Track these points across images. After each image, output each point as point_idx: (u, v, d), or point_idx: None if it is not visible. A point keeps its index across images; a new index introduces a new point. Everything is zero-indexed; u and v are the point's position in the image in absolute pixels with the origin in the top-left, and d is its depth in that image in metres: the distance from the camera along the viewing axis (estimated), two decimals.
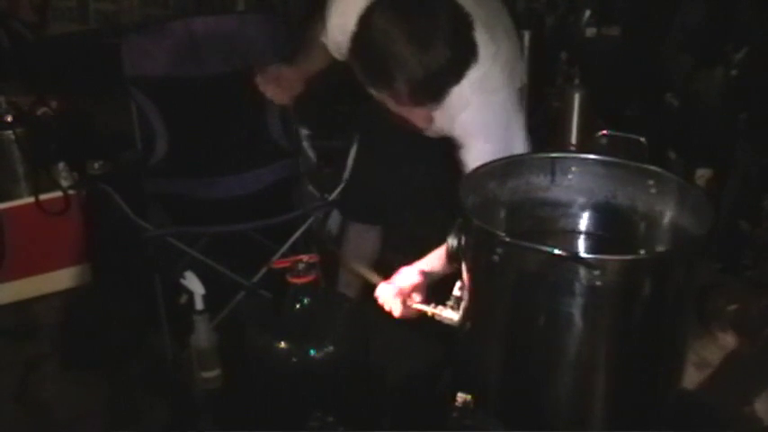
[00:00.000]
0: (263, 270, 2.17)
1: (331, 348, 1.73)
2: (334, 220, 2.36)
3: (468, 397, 1.72)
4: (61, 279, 2.63)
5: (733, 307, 2.38)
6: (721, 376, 2.14)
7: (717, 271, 2.56)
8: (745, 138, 2.81)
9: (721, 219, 2.58)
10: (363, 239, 2.28)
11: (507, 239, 1.51)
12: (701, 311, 2.31)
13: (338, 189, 2.19)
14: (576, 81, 2.93)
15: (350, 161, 2.23)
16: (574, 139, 2.84)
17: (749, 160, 2.75)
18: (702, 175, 2.77)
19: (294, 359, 1.72)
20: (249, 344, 1.77)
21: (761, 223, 2.62)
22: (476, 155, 1.84)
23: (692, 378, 2.08)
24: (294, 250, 2.24)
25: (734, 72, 2.89)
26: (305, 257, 1.72)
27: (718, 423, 1.94)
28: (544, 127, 2.99)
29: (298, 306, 1.72)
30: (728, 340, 2.27)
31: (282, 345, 1.72)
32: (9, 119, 2.61)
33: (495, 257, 1.54)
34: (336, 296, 1.98)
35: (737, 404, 2.03)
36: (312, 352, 1.71)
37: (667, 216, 1.74)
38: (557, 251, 1.46)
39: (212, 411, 1.92)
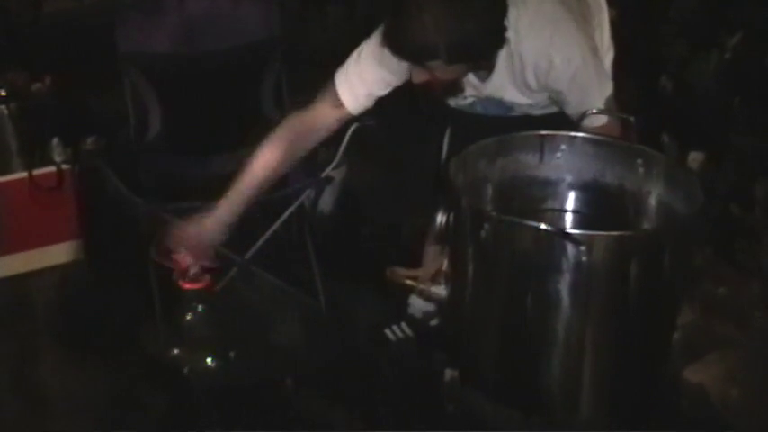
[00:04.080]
0: (256, 246, 2.17)
1: (223, 358, 1.71)
2: (327, 198, 2.37)
3: (456, 373, 1.74)
4: (55, 254, 2.63)
5: (724, 292, 2.38)
6: (710, 360, 2.14)
7: (708, 256, 2.56)
8: (738, 122, 2.81)
9: (713, 203, 2.58)
10: None
11: (494, 215, 1.52)
12: (692, 296, 2.31)
13: (330, 167, 2.19)
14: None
15: (345, 141, 2.22)
16: None
17: (742, 145, 2.76)
18: (695, 158, 2.76)
19: (185, 369, 1.71)
20: (143, 351, 1.76)
21: (753, 208, 2.62)
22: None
23: (681, 361, 2.09)
24: (287, 228, 2.25)
25: (727, 56, 2.89)
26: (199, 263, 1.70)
27: (706, 405, 1.96)
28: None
29: (190, 313, 1.70)
30: (719, 325, 2.28)
31: (173, 353, 1.71)
32: (3, 94, 2.61)
33: (483, 234, 1.55)
34: (235, 302, 1.93)
35: (726, 387, 2.03)
36: (207, 360, 1.70)
37: (655, 195, 1.75)
38: (543, 227, 1.47)
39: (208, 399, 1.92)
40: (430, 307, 2.11)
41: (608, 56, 2.01)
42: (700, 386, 2.00)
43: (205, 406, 1.89)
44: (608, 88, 1.84)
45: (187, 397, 1.91)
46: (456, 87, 1.81)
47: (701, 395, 1.98)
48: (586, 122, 1.80)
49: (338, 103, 1.83)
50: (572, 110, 1.84)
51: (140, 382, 2.15)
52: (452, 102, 1.95)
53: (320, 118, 1.86)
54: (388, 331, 2.10)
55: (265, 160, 1.86)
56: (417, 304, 2.14)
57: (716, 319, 2.28)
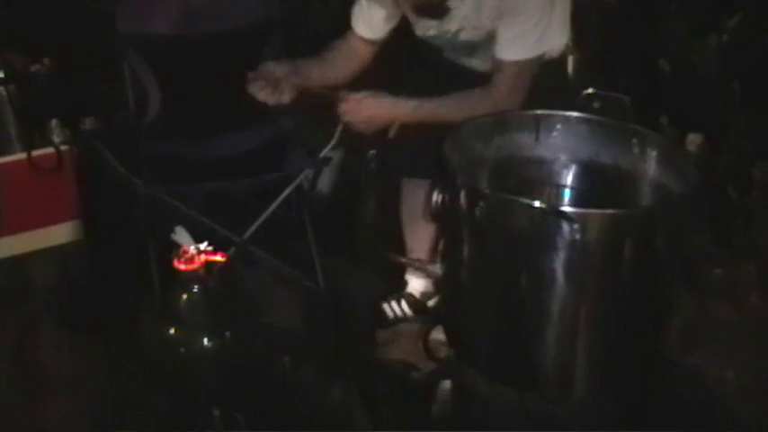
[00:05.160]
0: (254, 226, 2.18)
1: (219, 338, 1.72)
2: (325, 178, 2.37)
3: (451, 351, 1.76)
4: (55, 235, 2.63)
5: (720, 274, 2.39)
6: (706, 341, 2.15)
7: (706, 237, 2.57)
8: (736, 104, 2.81)
9: (711, 186, 2.59)
10: (417, 195, 2.26)
11: (489, 193, 1.52)
12: (689, 278, 2.32)
13: (328, 147, 2.19)
14: (569, 45, 2.92)
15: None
16: None
17: (740, 127, 2.76)
18: (694, 140, 2.76)
19: (182, 348, 1.71)
20: (139, 331, 1.77)
21: (750, 191, 2.62)
22: (509, 34, 1.90)
23: (676, 342, 2.10)
24: (285, 209, 2.25)
25: (726, 38, 2.89)
26: (195, 246, 1.72)
27: (700, 386, 1.97)
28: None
29: (185, 294, 1.72)
30: (715, 307, 2.29)
31: (170, 332, 1.72)
32: (1, 75, 2.61)
33: (478, 212, 1.56)
34: (231, 285, 1.94)
35: (721, 368, 2.04)
36: (204, 341, 1.71)
37: (650, 175, 1.76)
38: (537, 205, 1.48)
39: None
40: (429, 286, 2.13)
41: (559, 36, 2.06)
42: (695, 367, 2.01)
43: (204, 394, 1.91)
44: (535, 52, 1.92)
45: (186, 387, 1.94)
46: (441, 8, 1.93)
47: (696, 376, 2.00)
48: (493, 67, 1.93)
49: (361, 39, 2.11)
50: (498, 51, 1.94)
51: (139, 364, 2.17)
52: (421, 32, 2.08)
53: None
54: (386, 306, 2.12)
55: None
56: (415, 283, 2.15)
57: (712, 301, 2.29)
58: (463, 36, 2.02)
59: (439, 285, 2.04)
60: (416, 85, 2.13)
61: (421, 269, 1.77)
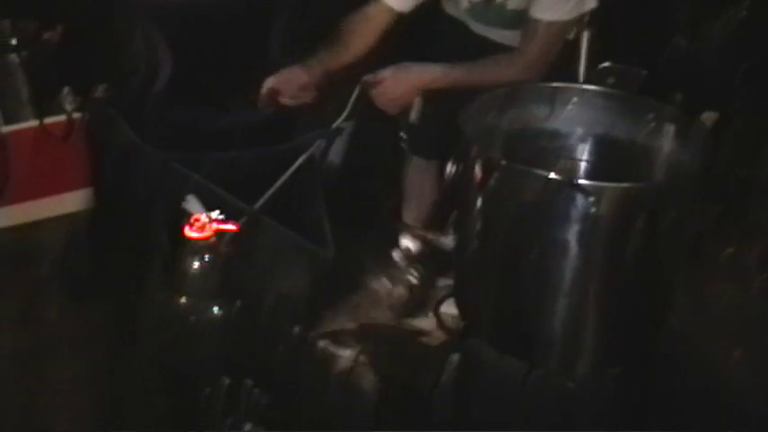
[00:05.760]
0: (266, 196, 2.18)
1: (229, 307, 1.74)
2: (337, 149, 2.36)
3: (461, 323, 1.76)
4: (66, 203, 2.63)
5: (730, 250, 2.39)
6: (714, 319, 2.15)
7: (716, 215, 2.56)
8: (750, 81, 2.79)
9: (722, 162, 2.57)
10: (420, 168, 2.26)
11: (504, 164, 1.52)
12: (698, 254, 2.31)
13: (341, 118, 2.18)
14: (586, 19, 2.89)
15: (356, 92, 2.22)
16: (581, 79, 2.82)
17: (753, 104, 2.74)
18: (708, 117, 2.74)
19: (192, 317, 1.73)
20: (146, 299, 1.77)
21: (762, 168, 2.61)
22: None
23: (684, 319, 2.10)
24: (296, 179, 2.25)
25: (744, 13, 2.86)
26: (207, 214, 1.72)
27: (707, 364, 1.97)
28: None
29: (195, 262, 1.71)
30: (724, 286, 2.28)
31: (180, 301, 1.74)
32: (13, 42, 2.60)
33: (492, 183, 1.55)
34: (241, 254, 1.93)
35: (728, 346, 2.04)
36: (214, 309, 1.72)
37: (666, 150, 1.75)
38: (553, 176, 1.48)
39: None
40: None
41: None
42: (701, 345, 2.01)
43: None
44: (573, 13, 1.93)
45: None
46: None
47: (702, 353, 1.99)
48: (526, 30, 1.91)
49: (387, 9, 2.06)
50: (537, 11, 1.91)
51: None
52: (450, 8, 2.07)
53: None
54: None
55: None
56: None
57: (721, 280, 2.29)
58: (511, 5, 1.98)
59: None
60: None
61: (433, 242, 1.77)
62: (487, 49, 2.06)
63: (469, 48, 2.09)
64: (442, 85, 1.94)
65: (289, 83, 2.07)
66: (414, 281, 2.22)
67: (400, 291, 2.19)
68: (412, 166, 2.22)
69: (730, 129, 2.71)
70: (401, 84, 1.96)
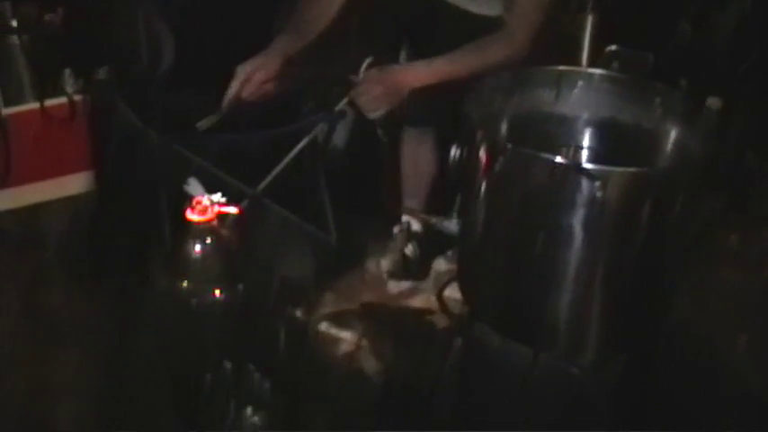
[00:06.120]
0: (268, 178, 2.17)
1: (231, 290, 1.71)
2: (341, 132, 2.36)
3: (465, 308, 1.75)
4: (67, 185, 2.63)
5: (736, 239, 2.38)
6: (719, 308, 2.15)
7: (721, 203, 2.55)
8: (756, 69, 2.78)
9: (728, 151, 2.57)
10: (417, 148, 2.25)
11: (509, 147, 1.51)
12: (704, 243, 2.31)
13: (344, 100, 2.17)
14: (590, 4, 2.89)
15: (360, 74, 2.21)
16: (584, 63, 2.81)
17: (760, 91, 2.73)
18: (713, 104, 2.73)
19: (194, 300, 1.70)
20: (148, 282, 1.77)
21: None
22: None
23: (689, 308, 2.09)
24: (299, 162, 2.24)
25: (750, 2, 2.85)
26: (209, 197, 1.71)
27: (712, 353, 1.96)
28: (556, 52, 2.96)
29: (197, 246, 1.70)
30: (729, 273, 2.28)
31: (181, 284, 1.70)
32: (14, 24, 2.58)
33: (497, 167, 1.54)
34: (243, 238, 1.91)
35: (732, 335, 2.04)
36: (216, 293, 1.70)
37: (673, 135, 1.74)
38: (559, 160, 1.47)
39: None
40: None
41: None
42: (706, 331, 2.01)
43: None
44: None
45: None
46: None
47: (707, 341, 1.99)
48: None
49: None
50: None
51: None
52: None
53: None
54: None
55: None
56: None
57: (727, 267, 2.28)
58: None
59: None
60: (417, 40, 2.10)
61: (437, 226, 1.76)
62: (465, 21, 2.04)
63: (445, 20, 2.07)
64: (426, 82, 1.93)
65: (262, 72, 2.02)
66: (409, 254, 2.22)
67: (395, 257, 2.18)
68: (406, 140, 2.22)
69: (736, 116, 2.70)
70: (382, 85, 1.94)
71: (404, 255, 2.19)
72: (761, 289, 2.22)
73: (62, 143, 2.59)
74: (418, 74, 1.94)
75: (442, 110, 2.11)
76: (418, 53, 2.12)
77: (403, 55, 2.25)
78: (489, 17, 2.01)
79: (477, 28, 2.00)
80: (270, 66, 2.01)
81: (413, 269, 2.20)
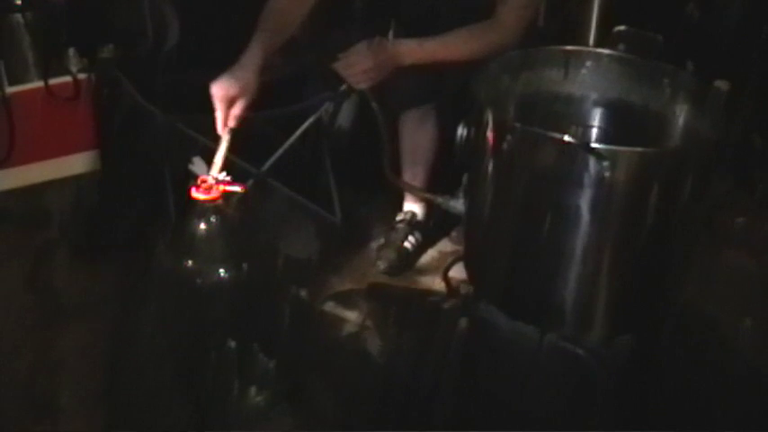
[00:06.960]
0: (273, 158, 2.16)
1: (235, 269, 1.72)
2: (346, 113, 2.35)
3: (470, 288, 1.74)
4: (71, 164, 2.62)
5: (742, 222, 2.38)
6: (725, 290, 2.15)
7: (728, 186, 2.54)
8: (763, 51, 2.76)
9: (735, 133, 2.55)
10: (415, 129, 2.23)
11: (518, 127, 1.50)
12: (710, 225, 2.30)
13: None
14: None
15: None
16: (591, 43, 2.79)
17: (767, 74, 2.71)
18: (719, 86, 2.72)
19: (198, 279, 1.71)
20: (154, 261, 1.77)
21: None
22: None
23: (695, 290, 2.09)
24: (304, 142, 2.23)
25: None
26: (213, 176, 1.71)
27: (717, 335, 1.96)
28: (562, 34, 2.94)
29: (202, 224, 1.70)
30: (735, 256, 2.28)
31: (186, 263, 1.71)
32: (18, 2, 2.57)
33: (505, 146, 1.53)
34: (248, 217, 1.90)
35: (738, 318, 2.04)
36: (220, 272, 1.71)
37: (681, 116, 1.73)
38: (567, 139, 1.46)
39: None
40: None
41: None
42: (712, 313, 2.00)
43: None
44: None
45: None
46: None
47: (712, 322, 1.99)
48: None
49: None
50: None
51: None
52: None
53: None
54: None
55: None
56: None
57: (733, 249, 2.28)
58: None
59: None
60: (406, 20, 2.09)
61: (443, 205, 1.75)
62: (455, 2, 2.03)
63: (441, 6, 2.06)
64: (415, 60, 1.93)
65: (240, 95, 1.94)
66: (408, 246, 2.22)
67: (390, 254, 2.19)
68: (406, 119, 2.21)
69: (745, 99, 2.69)
70: (371, 58, 1.93)
71: (403, 248, 2.20)
72: (766, 271, 2.22)
73: (66, 122, 2.58)
74: (409, 51, 1.94)
75: (442, 88, 2.11)
76: (406, 35, 2.11)
77: (391, 35, 2.25)
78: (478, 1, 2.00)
79: (466, 12, 2.00)
80: (245, 81, 1.94)
81: (412, 262, 2.21)
